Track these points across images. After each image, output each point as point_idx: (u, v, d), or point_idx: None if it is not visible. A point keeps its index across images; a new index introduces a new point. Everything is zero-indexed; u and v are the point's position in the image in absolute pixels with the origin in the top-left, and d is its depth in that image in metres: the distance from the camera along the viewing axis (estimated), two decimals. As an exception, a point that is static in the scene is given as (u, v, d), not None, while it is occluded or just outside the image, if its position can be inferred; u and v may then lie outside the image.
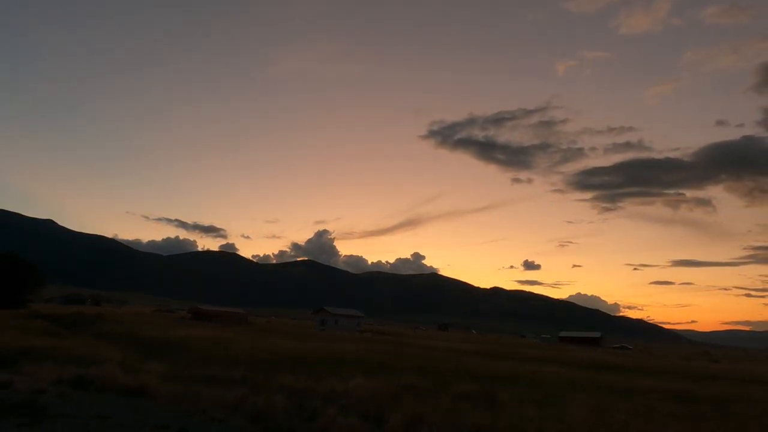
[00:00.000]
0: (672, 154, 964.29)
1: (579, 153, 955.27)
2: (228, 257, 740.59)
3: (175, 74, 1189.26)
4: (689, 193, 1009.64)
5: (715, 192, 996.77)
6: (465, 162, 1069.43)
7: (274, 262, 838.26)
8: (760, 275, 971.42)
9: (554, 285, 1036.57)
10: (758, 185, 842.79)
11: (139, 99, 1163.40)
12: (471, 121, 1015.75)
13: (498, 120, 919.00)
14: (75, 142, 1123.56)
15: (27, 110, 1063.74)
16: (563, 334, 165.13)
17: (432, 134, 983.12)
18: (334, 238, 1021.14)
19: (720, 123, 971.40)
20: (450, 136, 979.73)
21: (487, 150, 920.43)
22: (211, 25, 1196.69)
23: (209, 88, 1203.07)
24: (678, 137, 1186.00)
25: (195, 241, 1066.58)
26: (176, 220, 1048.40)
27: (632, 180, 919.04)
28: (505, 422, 11.68)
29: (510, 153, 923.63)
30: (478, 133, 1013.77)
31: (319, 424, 11.21)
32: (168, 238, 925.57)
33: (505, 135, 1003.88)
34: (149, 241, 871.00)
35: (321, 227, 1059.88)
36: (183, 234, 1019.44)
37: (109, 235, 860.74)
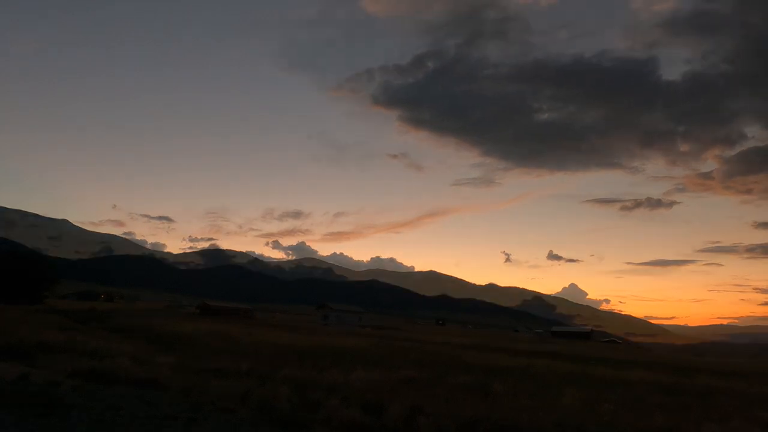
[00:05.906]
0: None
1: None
2: (234, 255, 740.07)
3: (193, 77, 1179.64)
4: (678, 187, 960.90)
5: (705, 182, 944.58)
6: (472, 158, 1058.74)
7: (277, 260, 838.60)
8: (748, 273, 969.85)
9: (548, 282, 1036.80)
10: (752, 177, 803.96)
11: (150, 101, 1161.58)
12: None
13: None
14: (88, 146, 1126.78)
15: (42, 117, 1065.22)
16: (555, 328, 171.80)
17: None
18: (334, 236, 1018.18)
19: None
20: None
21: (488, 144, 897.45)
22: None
23: (215, 90, 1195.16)
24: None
25: (200, 240, 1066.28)
26: (184, 219, 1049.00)
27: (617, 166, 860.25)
28: (500, 412, 12.04)
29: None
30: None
31: (322, 414, 11.45)
32: (176, 238, 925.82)
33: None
34: (159, 240, 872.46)
35: (324, 223, 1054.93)
36: (190, 233, 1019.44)
37: (121, 234, 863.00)
